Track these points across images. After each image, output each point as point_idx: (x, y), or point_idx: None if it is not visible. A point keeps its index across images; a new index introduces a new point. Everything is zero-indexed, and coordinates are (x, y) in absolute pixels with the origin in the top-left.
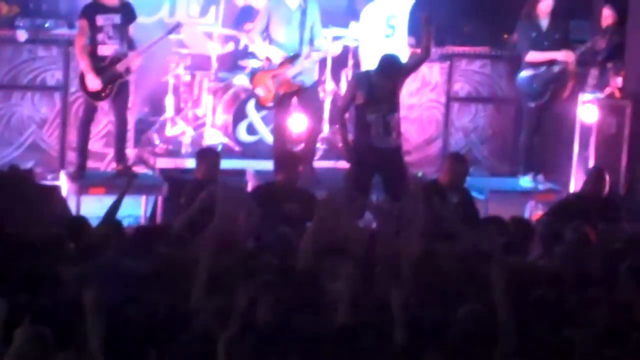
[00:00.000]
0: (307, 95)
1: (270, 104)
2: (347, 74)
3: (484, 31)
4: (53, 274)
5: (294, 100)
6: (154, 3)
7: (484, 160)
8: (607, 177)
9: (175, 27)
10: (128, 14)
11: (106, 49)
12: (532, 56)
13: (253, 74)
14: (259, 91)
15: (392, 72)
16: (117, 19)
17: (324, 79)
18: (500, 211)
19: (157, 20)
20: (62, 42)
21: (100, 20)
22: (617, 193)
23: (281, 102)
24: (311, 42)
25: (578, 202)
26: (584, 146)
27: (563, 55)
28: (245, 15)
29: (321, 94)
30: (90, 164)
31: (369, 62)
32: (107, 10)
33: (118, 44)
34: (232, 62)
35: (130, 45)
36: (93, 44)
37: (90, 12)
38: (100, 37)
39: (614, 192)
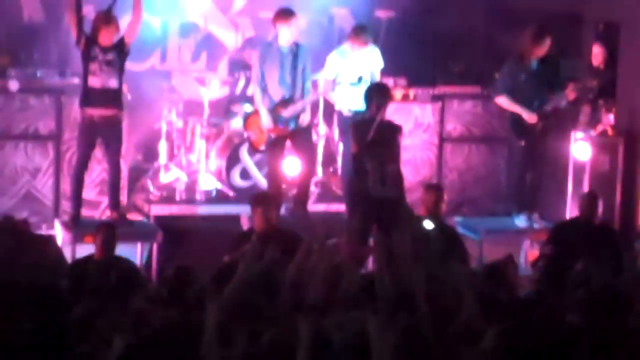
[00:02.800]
0: (300, 138)
1: (263, 147)
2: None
3: (474, 71)
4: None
5: (287, 143)
6: (145, 50)
7: (478, 200)
8: (601, 202)
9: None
10: (122, 51)
11: (95, 81)
12: (502, 101)
13: (246, 118)
14: (252, 134)
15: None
16: (110, 55)
17: (317, 122)
18: (495, 251)
19: (148, 67)
20: (54, 91)
21: (95, 51)
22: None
23: (274, 146)
24: (303, 85)
25: (574, 228)
26: (577, 184)
27: (528, 116)
28: (236, 62)
29: (314, 137)
30: (85, 212)
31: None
32: (102, 47)
33: (108, 78)
34: (225, 107)
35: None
36: (85, 72)
37: (89, 41)
38: (92, 67)
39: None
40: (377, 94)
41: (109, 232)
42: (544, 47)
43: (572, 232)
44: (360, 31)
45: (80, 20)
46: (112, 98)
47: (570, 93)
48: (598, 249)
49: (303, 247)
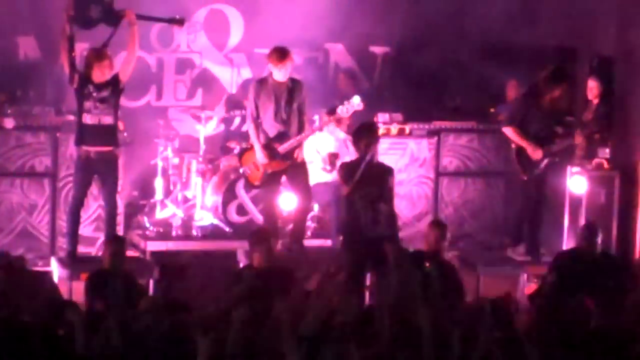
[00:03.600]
0: (295, 173)
1: (258, 183)
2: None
3: (469, 106)
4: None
5: (283, 178)
6: (141, 86)
7: (474, 234)
8: (600, 233)
9: (178, 21)
10: (116, 88)
11: (90, 118)
12: (509, 132)
13: (241, 153)
14: (247, 170)
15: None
16: (104, 92)
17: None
18: (493, 284)
19: (144, 104)
20: (49, 128)
21: (89, 88)
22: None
23: (270, 181)
24: (299, 120)
25: (576, 258)
26: (574, 217)
27: (533, 152)
28: (233, 100)
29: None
30: (81, 249)
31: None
32: (95, 85)
33: (103, 115)
34: (221, 143)
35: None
36: (79, 111)
37: (82, 78)
38: (86, 104)
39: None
40: (366, 134)
41: (118, 245)
42: (558, 90)
43: (574, 262)
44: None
45: (72, 58)
46: (108, 135)
47: (578, 137)
48: (601, 279)
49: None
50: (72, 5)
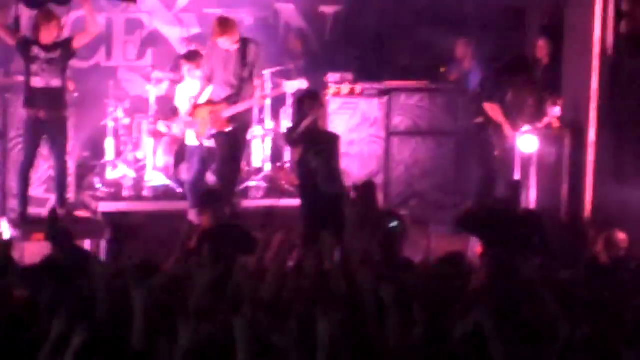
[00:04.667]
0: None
1: (202, 139)
2: (286, 112)
3: (420, 65)
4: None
5: None
6: (91, 47)
7: (426, 193)
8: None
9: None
10: (67, 52)
11: (38, 81)
12: (491, 109)
13: (195, 106)
14: (197, 123)
15: None
16: (52, 54)
17: (263, 117)
18: (444, 244)
19: (94, 64)
20: None
21: (35, 50)
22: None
23: (217, 141)
24: (249, 85)
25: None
26: (525, 176)
27: (509, 131)
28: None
29: (261, 132)
30: (32, 209)
31: None
32: (43, 46)
33: (51, 77)
34: (171, 104)
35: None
36: (27, 74)
37: (26, 42)
38: (34, 67)
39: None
40: (310, 99)
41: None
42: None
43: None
44: None
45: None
46: (56, 97)
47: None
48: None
49: (261, 242)
50: None
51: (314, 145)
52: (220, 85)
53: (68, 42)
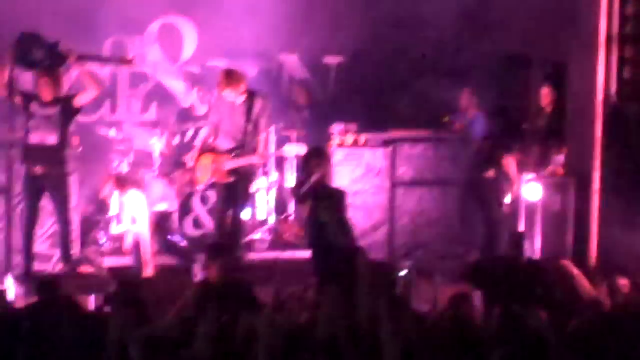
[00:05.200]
0: (236, 188)
1: (200, 187)
2: (291, 164)
3: (424, 115)
4: None
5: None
6: (95, 101)
7: (431, 243)
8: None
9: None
10: (68, 109)
11: (34, 137)
12: (512, 163)
13: (201, 151)
14: (198, 172)
15: None
16: (50, 111)
17: (268, 170)
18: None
19: (98, 119)
20: (3, 145)
21: (33, 107)
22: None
23: (218, 192)
24: (254, 140)
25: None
26: (530, 225)
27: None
28: (185, 113)
29: (266, 184)
30: (37, 265)
31: None
32: (41, 102)
33: (47, 134)
34: (175, 157)
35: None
36: (25, 130)
37: (26, 98)
38: (31, 123)
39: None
40: (316, 155)
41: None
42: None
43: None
44: None
45: (11, 79)
46: (53, 154)
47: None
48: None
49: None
50: (15, 49)
51: (322, 200)
52: (226, 136)
53: (69, 99)
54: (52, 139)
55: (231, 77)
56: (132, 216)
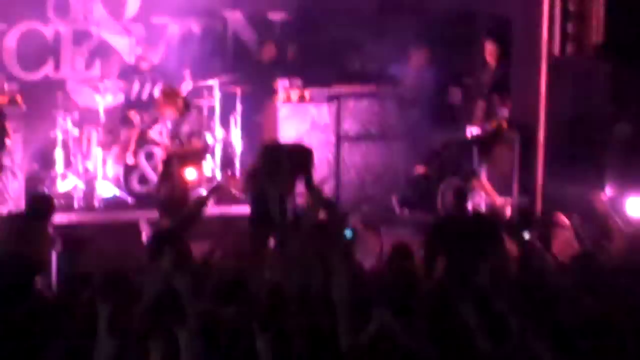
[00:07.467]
0: None
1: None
2: (235, 119)
3: (369, 70)
4: None
5: None
6: (39, 59)
7: (377, 197)
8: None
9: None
10: None
11: None
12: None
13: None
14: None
15: None
16: None
17: (213, 126)
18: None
19: (42, 77)
20: None
21: None
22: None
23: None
24: None
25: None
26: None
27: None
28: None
29: (211, 141)
30: None
31: None
32: None
33: None
34: (120, 114)
35: None
36: None
37: None
38: None
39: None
40: None
41: None
42: None
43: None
44: None
45: None
46: None
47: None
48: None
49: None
50: None
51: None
52: None
53: None
54: None
55: (168, 95)
56: None
